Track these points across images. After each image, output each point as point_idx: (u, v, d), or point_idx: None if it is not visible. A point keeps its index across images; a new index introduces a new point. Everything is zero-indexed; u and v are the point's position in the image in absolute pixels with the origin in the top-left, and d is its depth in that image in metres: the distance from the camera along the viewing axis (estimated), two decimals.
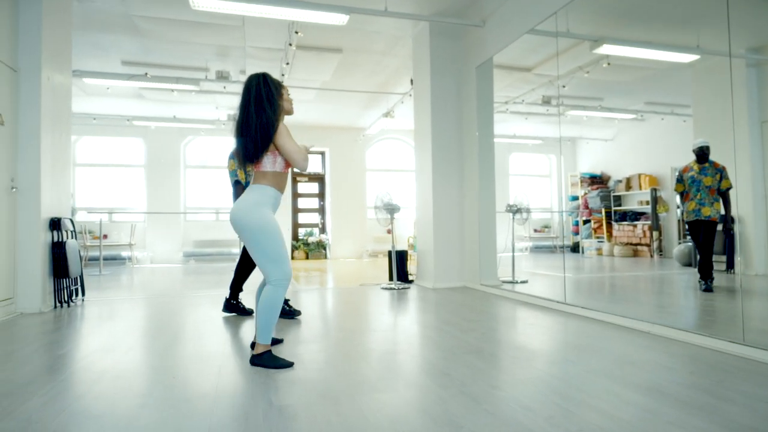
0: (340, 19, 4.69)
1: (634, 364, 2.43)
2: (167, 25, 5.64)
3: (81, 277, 4.92)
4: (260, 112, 2.55)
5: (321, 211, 11.74)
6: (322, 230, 11.59)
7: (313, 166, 11.64)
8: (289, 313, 3.97)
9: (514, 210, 5.92)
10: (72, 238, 4.84)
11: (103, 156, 10.16)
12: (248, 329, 3.45)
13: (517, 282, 5.54)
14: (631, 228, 6.21)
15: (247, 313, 3.95)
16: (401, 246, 9.02)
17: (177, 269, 8.69)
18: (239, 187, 3.78)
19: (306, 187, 11.65)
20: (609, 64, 5.10)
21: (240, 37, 5.98)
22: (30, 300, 4.25)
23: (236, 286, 3.97)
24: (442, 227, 5.60)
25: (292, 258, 10.97)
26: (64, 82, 4.87)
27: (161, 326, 3.58)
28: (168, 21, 5.53)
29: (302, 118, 10.20)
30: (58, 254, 4.51)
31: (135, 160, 10.31)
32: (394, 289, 5.49)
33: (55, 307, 4.49)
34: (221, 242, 10.57)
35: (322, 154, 11.64)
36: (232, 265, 8.98)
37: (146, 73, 6.73)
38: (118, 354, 2.79)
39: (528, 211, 6.06)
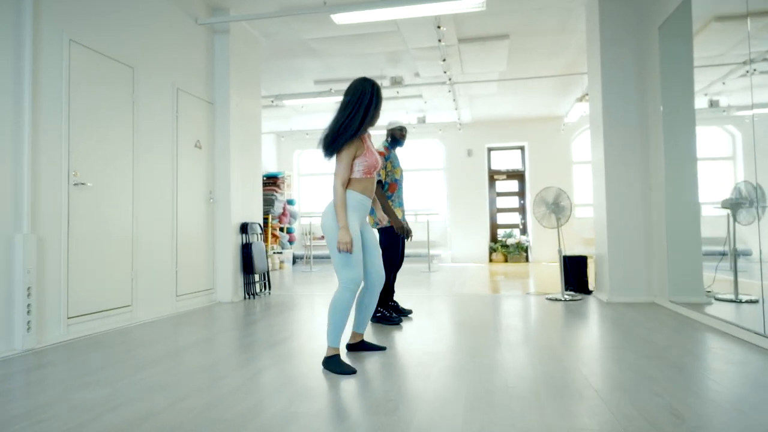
0: (476, 3, 4.48)
1: None
2: (334, 42, 6.30)
3: (267, 273, 5.91)
4: (351, 114, 2.67)
5: (521, 210, 11.26)
6: (523, 231, 11.10)
7: (512, 162, 11.24)
8: (403, 311, 4.10)
9: (737, 204, 4.64)
10: (259, 240, 5.86)
11: (320, 166, 11.85)
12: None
13: (740, 301, 4.34)
14: None
15: (406, 312, 4.17)
16: (582, 249, 7.99)
17: None
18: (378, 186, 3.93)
19: (504, 185, 11.34)
20: None
21: (401, 41, 6.26)
22: (224, 291, 5.32)
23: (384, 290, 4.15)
24: (617, 227, 4.79)
25: (490, 261, 10.83)
26: (253, 108, 5.94)
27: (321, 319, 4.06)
28: (332, 39, 6.18)
29: (492, 112, 9.99)
30: (246, 254, 5.53)
31: None
32: (561, 300, 4.95)
33: (245, 298, 5.51)
34: (421, 243, 11.12)
35: (521, 148, 11.15)
36: (433, 266, 9.39)
37: (330, 89, 7.63)
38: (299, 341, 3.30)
39: (764, 206, 4.69)
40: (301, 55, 6.81)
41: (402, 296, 5.46)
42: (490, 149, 11.27)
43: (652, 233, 4.70)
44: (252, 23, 5.69)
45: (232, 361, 2.82)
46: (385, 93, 7.99)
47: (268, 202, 10.28)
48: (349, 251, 2.60)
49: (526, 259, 10.68)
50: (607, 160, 4.82)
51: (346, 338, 3.14)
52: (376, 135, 10.89)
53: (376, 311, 3.90)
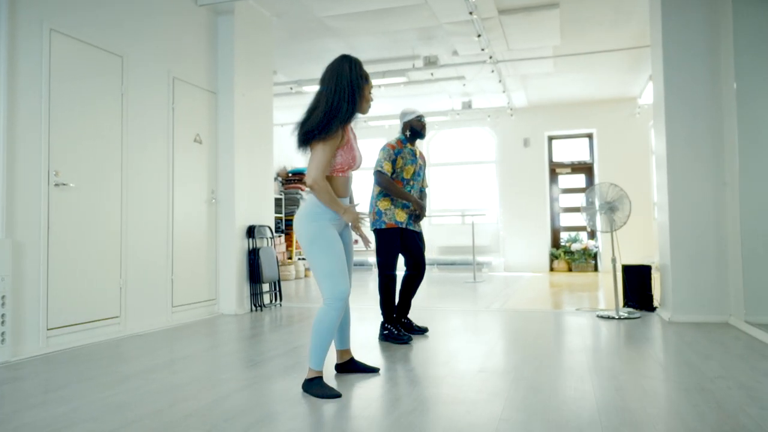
0: None
1: None
2: (355, 19, 6.38)
3: (278, 282, 6.07)
4: (332, 97, 2.69)
5: None
6: (591, 235, 10.77)
7: (578, 153, 10.94)
8: (416, 330, 4.14)
9: None
10: (269, 245, 6.02)
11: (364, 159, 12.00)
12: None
13: None
14: None
15: (422, 331, 4.17)
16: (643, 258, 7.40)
17: None
18: (379, 176, 3.97)
19: (568, 180, 11.04)
20: None
21: (430, 15, 6.25)
22: (227, 302, 5.52)
23: (402, 304, 4.17)
24: (681, 232, 4.58)
25: (551, 269, 10.59)
26: (263, 97, 6.12)
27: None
28: (352, 15, 6.25)
29: (552, 94, 9.77)
30: (252, 260, 5.71)
31: None
32: (614, 318, 4.79)
33: (251, 310, 5.68)
34: (468, 249, 11.02)
35: (589, 136, 10.82)
36: (479, 275, 9.32)
37: None
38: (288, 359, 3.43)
39: None
40: (321, 36, 6.93)
41: (427, 311, 5.46)
42: (551, 138, 11.02)
43: (726, 238, 4.46)
44: (261, 1, 5.86)
45: (206, 380, 2.93)
46: (417, 75, 8.00)
47: (292, 202, 10.53)
48: (362, 219, 2.80)
49: (595, 268, 10.36)
50: (669, 151, 4.62)
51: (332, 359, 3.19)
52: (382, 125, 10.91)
53: (383, 328, 3.93)
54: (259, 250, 5.74)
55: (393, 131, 11.40)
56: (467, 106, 9.83)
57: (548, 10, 6.13)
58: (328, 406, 2.47)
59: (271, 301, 6.03)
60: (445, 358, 3.42)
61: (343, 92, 2.69)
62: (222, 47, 5.64)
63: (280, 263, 9.55)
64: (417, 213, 4.01)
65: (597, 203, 5.10)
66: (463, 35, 6.71)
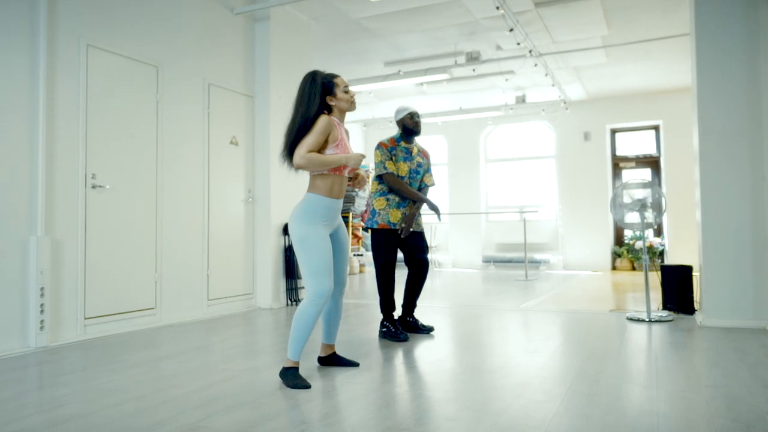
0: None
1: None
2: (391, 19, 6.44)
3: None
4: (299, 110, 2.91)
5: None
6: (658, 232, 10.21)
7: (644, 146, 10.39)
8: (421, 329, 4.15)
9: None
10: None
11: None
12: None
13: None
14: None
15: (427, 331, 4.20)
16: (687, 258, 6.65)
17: (470, 274, 9.52)
18: (387, 178, 4.01)
19: (633, 174, 10.51)
20: None
21: (465, 12, 6.20)
22: (264, 296, 5.79)
23: (406, 303, 4.23)
24: (714, 230, 4.31)
25: (614, 268, 10.16)
26: None
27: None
28: (387, 15, 6.32)
29: (612, 86, 9.35)
30: (288, 257, 5.94)
31: (440, 159, 11.75)
32: (644, 321, 4.58)
33: (287, 304, 5.92)
34: (519, 246, 10.80)
35: (656, 128, 10.25)
36: (535, 273, 9.14)
37: (399, 71, 7.78)
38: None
39: None
40: (360, 37, 7.06)
41: (454, 308, 5.45)
42: (613, 131, 10.54)
43: (765, 238, 4.14)
44: (297, 6, 6.06)
45: (205, 370, 3.14)
46: (460, 71, 7.94)
47: (347, 199, 10.75)
48: (360, 158, 2.86)
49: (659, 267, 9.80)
50: (701, 146, 4.35)
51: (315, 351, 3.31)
52: (434, 122, 10.81)
53: (382, 326, 3.99)
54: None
55: (446, 127, 11.38)
56: (521, 100, 9.62)
57: (587, 0, 5.91)
58: (300, 396, 2.59)
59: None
60: (436, 358, 3.44)
61: (303, 99, 2.90)
62: (259, 52, 5.90)
63: None
64: (414, 213, 4.03)
65: (625, 201, 4.87)
66: (502, 30, 6.60)
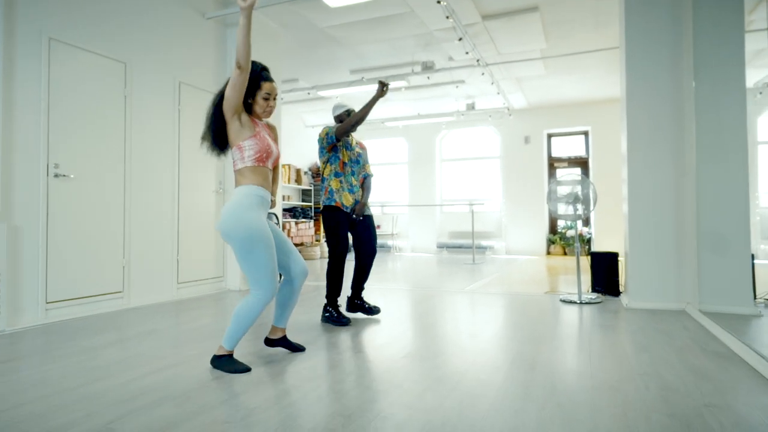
0: None
1: None
2: (353, 29, 5.91)
3: None
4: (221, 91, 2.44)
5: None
6: (586, 222, 9.94)
7: (575, 149, 10.09)
8: (368, 310, 3.69)
9: None
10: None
11: (378, 156, 11.54)
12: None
13: None
14: None
15: (373, 312, 3.72)
16: (612, 245, 6.43)
17: (426, 258, 9.09)
18: (338, 126, 3.42)
19: (566, 173, 10.21)
20: None
21: (420, 23, 5.71)
22: (233, 279, 5.23)
23: (354, 286, 3.76)
24: (639, 221, 3.95)
25: (548, 253, 9.87)
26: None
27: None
28: (350, 25, 5.78)
29: (549, 96, 8.99)
30: None
31: (401, 158, 11.28)
32: (575, 303, 4.20)
33: None
34: (474, 234, 10.43)
35: (585, 133, 9.95)
36: (481, 258, 8.75)
37: (362, 78, 7.25)
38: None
39: None
40: (328, 45, 6.50)
41: (405, 291, 5.01)
42: (550, 135, 10.21)
43: (684, 228, 3.79)
44: (266, 13, 5.48)
45: (144, 358, 2.61)
46: (416, 80, 7.45)
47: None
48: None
49: (588, 253, 9.55)
50: (629, 144, 3.97)
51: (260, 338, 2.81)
52: (396, 125, 10.30)
53: (325, 310, 3.51)
54: None
55: (406, 130, 10.89)
56: (471, 107, 9.18)
57: (529, 14, 5.47)
58: (235, 387, 2.09)
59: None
60: (379, 344, 2.97)
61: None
62: (231, 56, 5.31)
63: (310, 245, 9.28)
64: (360, 200, 3.56)
65: (559, 193, 4.48)
66: (453, 41, 6.13)
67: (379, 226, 11.17)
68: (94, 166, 3.90)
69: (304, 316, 3.74)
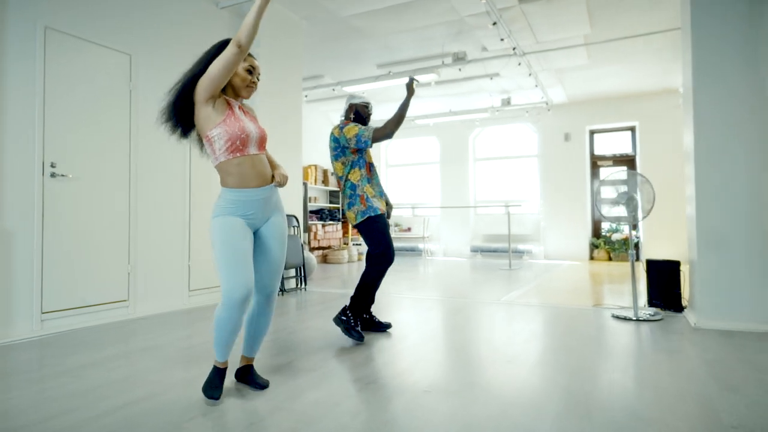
0: None
1: None
2: (376, 17, 5.49)
3: (301, 267, 5.37)
4: (190, 69, 2.06)
5: None
6: (633, 226, 9.17)
7: (621, 146, 9.35)
8: (378, 325, 3.27)
9: None
10: (295, 233, 5.34)
11: (408, 156, 11.09)
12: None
13: None
14: None
15: (382, 328, 3.29)
16: (663, 252, 5.64)
17: (458, 263, 8.58)
18: (374, 132, 3.02)
19: (610, 172, 9.46)
20: None
21: (450, 9, 5.23)
22: None
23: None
24: (709, 224, 3.35)
25: (591, 258, 9.16)
26: (291, 97, 5.40)
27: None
28: (373, 13, 5.37)
29: (592, 89, 8.32)
30: None
31: (432, 158, 10.79)
32: (631, 320, 3.63)
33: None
34: (502, 237, 9.84)
35: (631, 129, 9.20)
36: (518, 262, 8.18)
37: (389, 72, 6.82)
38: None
39: None
40: (351, 37, 6.11)
41: (427, 301, 4.54)
42: (592, 132, 9.50)
43: (766, 234, 3.17)
44: (285, 4, 5.14)
45: (130, 381, 2.26)
46: (447, 73, 6.97)
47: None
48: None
49: (636, 258, 8.79)
50: (696, 139, 3.39)
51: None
52: (426, 123, 9.80)
53: (343, 313, 3.07)
54: None
55: (437, 129, 10.40)
56: (506, 102, 8.61)
57: None
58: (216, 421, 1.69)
59: (297, 285, 5.36)
60: (396, 370, 2.52)
61: (202, 62, 2.04)
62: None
63: (337, 248, 8.89)
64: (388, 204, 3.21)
65: (606, 194, 3.92)
66: (487, 28, 5.62)
67: (409, 229, 10.72)
68: (95, 165, 3.62)
69: (313, 332, 3.33)
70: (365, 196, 3.07)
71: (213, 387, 2.00)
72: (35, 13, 3.28)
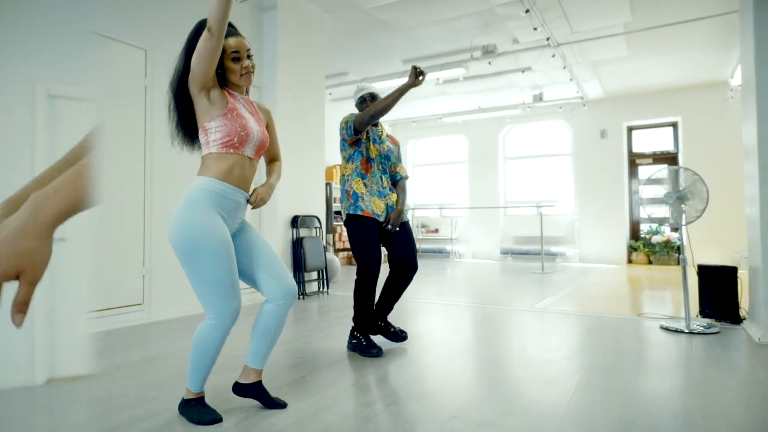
0: None
1: None
2: (402, 9, 5.23)
3: (324, 270, 5.16)
4: (176, 67, 1.85)
5: None
6: (674, 228, 8.62)
7: (661, 142, 8.81)
8: (393, 334, 2.94)
9: None
10: (316, 235, 5.14)
11: (436, 155, 10.79)
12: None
13: None
14: None
15: (399, 338, 3.02)
16: (708, 256, 5.09)
17: (488, 266, 8.24)
18: (358, 115, 2.76)
19: (650, 171, 8.93)
20: None
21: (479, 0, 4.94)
22: None
23: (382, 305, 3.06)
24: None
25: (630, 262, 8.66)
26: (313, 93, 5.21)
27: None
28: (396, 5, 5.11)
29: (630, 83, 7.84)
30: (297, 250, 4.85)
31: (460, 157, 10.46)
32: (683, 332, 3.26)
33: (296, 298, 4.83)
34: (543, 239, 9.42)
35: (673, 125, 8.65)
36: (551, 266, 7.78)
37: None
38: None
39: None
40: (375, 31, 5.88)
41: (456, 307, 4.24)
42: (630, 128, 8.99)
43: None
44: None
45: (119, 401, 2.07)
46: (476, 68, 6.66)
47: None
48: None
49: (678, 262, 8.26)
50: (760, 133, 3.00)
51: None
52: (455, 121, 9.47)
53: (351, 336, 2.82)
54: (303, 239, 4.88)
55: (466, 126, 10.05)
56: (538, 98, 8.21)
57: None
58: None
59: (319, 289, 5.15)
60: (419, 391, 2.26)
61: (183, 54, 1.83)
62: (267, 43, 4.81)
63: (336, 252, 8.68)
64: (395, 207, 2.86)
65: (664, 191, 3.56)
66: (518, 18, 5.29)
67: (437, 230, 10.42)
68: (107, 162, 3.49)
69: (332, 341, 3.10)
70: (351, 191, 2.79)
71: (209, 413, 1.79)
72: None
